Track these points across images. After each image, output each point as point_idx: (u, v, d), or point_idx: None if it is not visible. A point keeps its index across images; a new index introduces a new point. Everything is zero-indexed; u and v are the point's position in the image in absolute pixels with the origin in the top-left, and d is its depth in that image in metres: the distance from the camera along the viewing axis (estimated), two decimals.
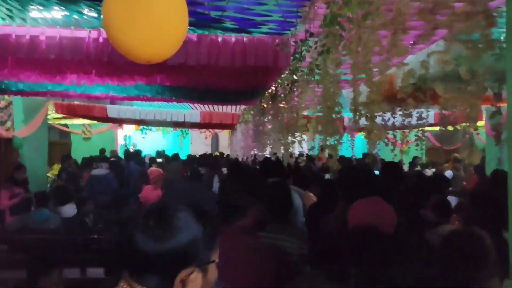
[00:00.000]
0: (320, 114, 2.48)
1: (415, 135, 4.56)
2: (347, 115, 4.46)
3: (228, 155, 12.66)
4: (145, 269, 0.96)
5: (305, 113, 3.77)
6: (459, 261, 1.70)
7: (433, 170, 10.61)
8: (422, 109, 4.11)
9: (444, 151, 13.92)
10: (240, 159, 9.53)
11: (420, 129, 4.48)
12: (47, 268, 2.64)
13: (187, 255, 0.97)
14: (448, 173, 9.10)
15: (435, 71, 2.14)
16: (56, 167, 10.01)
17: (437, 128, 7.85)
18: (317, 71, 2.83)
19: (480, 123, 6.92)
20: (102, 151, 11.16)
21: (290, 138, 3.83)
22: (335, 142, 2.14)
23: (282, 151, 4.23)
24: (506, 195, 3.83)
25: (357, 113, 1.80)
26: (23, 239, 4.99)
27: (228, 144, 14.97)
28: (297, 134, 3.74)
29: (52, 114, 9.49)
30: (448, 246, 1.82)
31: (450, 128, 3.74)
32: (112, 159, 10.14)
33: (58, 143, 14.82)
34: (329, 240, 2.32)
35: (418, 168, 9.00)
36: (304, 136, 4.37)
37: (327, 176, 4.02)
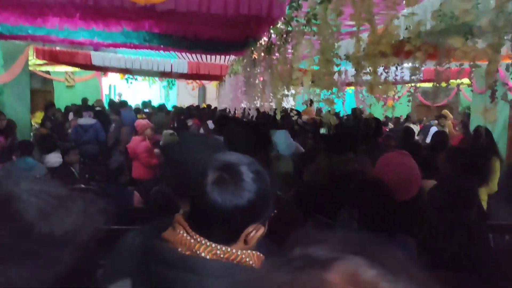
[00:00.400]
0: (317, 67, 2.40)
1: (407, 91, 4.49)
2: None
3: (215, 107, 12.53)
4: (214, 222, 0.95)
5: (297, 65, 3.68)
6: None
7: (418, 126, 10.75)
8: (416, 64, 4.04)
9: (429, 107, 14.00)
10: (228, 111, 9.44)
11: (412, 84, 4.42)
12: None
13: (258, 210, 0.97)
14: (433, 129, 9.20)
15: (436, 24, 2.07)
16: (39, 115, 9.77)
17: (429, 84, 7.81)
18: (314, 21, 2.72)
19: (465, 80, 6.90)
20: (84, 101, 10.89)
21: (283, 92, 3.75)
22: (333, 96, 2.08)
23: (273, 104, 4.15)
24: (487, 151, 3.91)
25: (359, 67, 1.73)
26: None
27: (216, 96, 14.77)
28: (291, 87, 3.66)
29: (33, 60, 9.13)
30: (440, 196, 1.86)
31: (443, 84, 3.71)
32: (97, 108, 9.95)
33: (41, 91, 14.43)
34: (310, 188, 2.38)
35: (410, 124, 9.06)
36: (293, 91, 4.30)
37: (322, 130, 3.99)
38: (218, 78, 11.13)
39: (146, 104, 12.24)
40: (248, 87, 5.46)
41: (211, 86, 16.62)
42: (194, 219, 0.97)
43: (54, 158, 6.01)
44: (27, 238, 0.45)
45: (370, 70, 1.94)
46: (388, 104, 11.10)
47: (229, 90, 8.50)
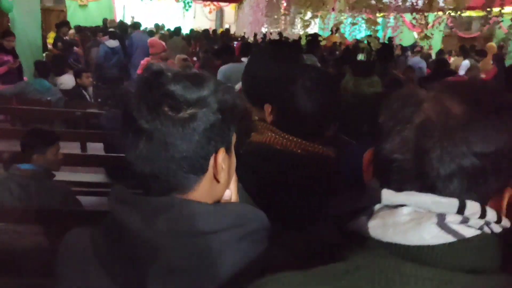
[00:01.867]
0: None
1: (448, 18, 4.04)
2: None
3: (234, 32, 11.93)
4: (300, 122, 1.12)
5: None
6: None
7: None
8: None
9: (460, 38, 13.17)
10: (247, 37, 8.94)
11: (456, 13, 3.95)
12: (42, 143, 2.44)
13: (331, 110, 1.16)
14: (465, 63, 8.64)
15: None
16: (52, 35, 9.45)
17: (480, 13, 7.12)
18: None
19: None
20: (105, 21, 10.46)
21: (309, 14, 3.35)
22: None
23: (299, 30, 3.75)
24: None
25: None
26: (21, 109, 4.80)
27: (234, 19, 14.06)
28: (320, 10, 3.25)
29: None
30: None
31: (495, 12, 3.30)
32: (110, 29, 9.57)
33: (53, 10, 13.99)
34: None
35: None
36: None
37: (360, 56, 3.67)
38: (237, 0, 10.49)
39: (159, 27, 11.71)
40: (270, 9, 5.00)
41: (229, 9, 15.82)
42: (281, 122, 1.13)
43: (67, 80, 5.82)
44: (173, 99, 0.64)
45: None
46: (419, 33, 10.37)
47: (248, 13, 7.93)
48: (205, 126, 0.65)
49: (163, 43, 5.30)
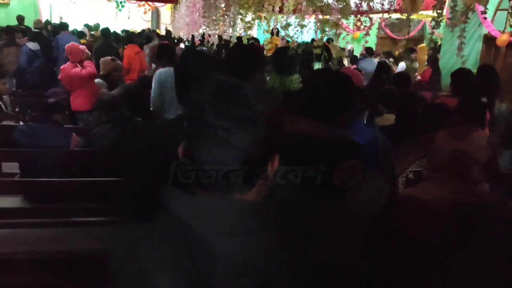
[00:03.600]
0: None
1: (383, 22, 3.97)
2: None
3: (170, 31, 11.40)
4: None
5: None
6: None
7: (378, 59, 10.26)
8: None
9: (394, 40, 13.59)
10: (185, 39, 8.52)
11: (385, 16, 3.89)
12: None
13: None
14: (401, 65, 8.84)
15: None
16: None
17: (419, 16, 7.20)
18: None
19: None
20: (20, 18, 9.46)
21: (250, 16, 3.09)
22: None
23: (240, 31, 3.48)
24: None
25: None
26: None
27: (171, 20, 13.53)
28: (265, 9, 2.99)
29: None
30: None
31: (420, 15, 3.20)
32: (35, 30, 8.73)
33: None
34: None
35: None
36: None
37: (317, 64, 3.50)
38: (173, 0, 10.04)
39: (90, 27, 10.95)
40: (208, 10, 4.68)
41: (165, 9, 15.25)
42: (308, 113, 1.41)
43: None
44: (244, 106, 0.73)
45: None
46: (354, 36, 10.49)
47: (185, 13, 7.52)
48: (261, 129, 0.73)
49: (82, 48, 4.74)
